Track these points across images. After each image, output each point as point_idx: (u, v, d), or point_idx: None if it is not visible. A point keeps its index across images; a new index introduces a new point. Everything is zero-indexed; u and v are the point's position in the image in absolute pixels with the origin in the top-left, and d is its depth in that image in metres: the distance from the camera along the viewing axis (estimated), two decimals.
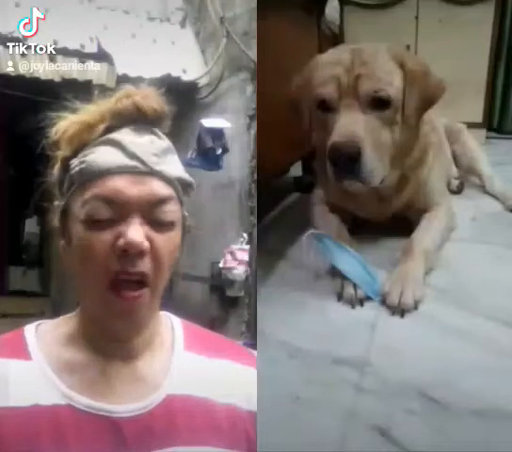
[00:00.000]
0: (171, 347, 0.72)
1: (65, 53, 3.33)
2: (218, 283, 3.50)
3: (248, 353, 0.78)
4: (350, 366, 1.24)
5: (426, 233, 1.68)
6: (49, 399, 0.64)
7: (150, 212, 0.65)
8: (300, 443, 1.06)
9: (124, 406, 0.65)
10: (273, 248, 1.85)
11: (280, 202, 2.20)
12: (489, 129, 3.36)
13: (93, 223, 0.65)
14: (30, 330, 0.71)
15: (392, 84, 1.48)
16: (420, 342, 1.32)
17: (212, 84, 3.76)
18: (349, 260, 1.49)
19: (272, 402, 1.07)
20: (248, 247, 3.40)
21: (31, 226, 4.63)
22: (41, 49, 3.25)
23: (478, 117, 3.19)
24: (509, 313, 1.40)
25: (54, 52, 3.30)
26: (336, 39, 3.26)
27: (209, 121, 3.39)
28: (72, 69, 3.32)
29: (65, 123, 0.69)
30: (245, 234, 3.45)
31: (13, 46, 3.17)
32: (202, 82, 3.79)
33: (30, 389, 0.65)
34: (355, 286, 1.46)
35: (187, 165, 3.13)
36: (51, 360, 0.67)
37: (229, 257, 3.41)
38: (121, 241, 0.63)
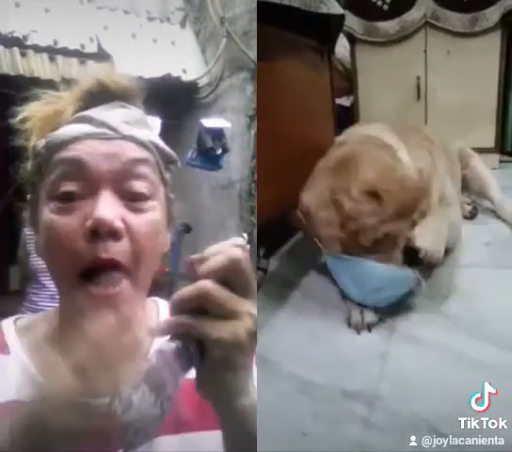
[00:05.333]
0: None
1: (65, 53, 3.33)
2: None
3: None
4: (359, 399, 1.20)
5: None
6: (29, 396, 0.59)
7: (121, 178, 0.59)
8: None
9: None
10: (288, 278, 1.85)
11: (295, 233, 2.21)
12: (503, 153, 3.41)
13: (61, 202, 0.59)
14: (8, 324, 0.67)
15: (382, 222, 1.52)
16: (432, 372, 1.27)
17: (212, 84, 3.76)
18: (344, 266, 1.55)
19: (278, 438, 1.05)
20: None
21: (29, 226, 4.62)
22: (41, 49, 3.25)
23: (490, 142, 3.27)
24: None
25: (54, 52, 3.29)
26: (349, 74, 3.42)
27: (209, 121, 3.38)
28: (71, 69, 3.32)
29: (32, 113, 0.66)
30: (245, 234, 3.43)
31: (13, 46, 3.17)
32: (202, 82, 3.79)
33: (8, 384, 0.60)
34: (362, 312, 1.52)
35: (187, 165, 3.14)
36: (32, 357, 0.63)
37: None
38: (90, 221, 0.56)
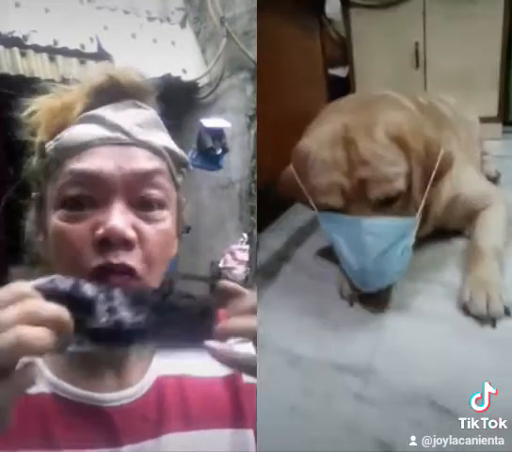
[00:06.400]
0: None
1: (65, 53, 3.33)
2: None
3: None
4: (353, 372, 1.15)
5: (489, 230, 1.54)
6: (34, 387, 0.57)
7: (135, 189, 0.58)
8: None
9: (114, 394, 0.61)
10: (280, 251, 1.82)
11: (288, 207, 2.14)
12: (505, 123, 3.23)
13: (70, 209, 0.58)
14: None
15: (400, 175, 1.29)
16: (429, 344, 1.20)
17: (212, 84, 3.76)
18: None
19: (267, 413, 1.00)
20: (247, 247, 3.40)
21: (32, 225, 4.62)
22: (41, 49, 3.25)
23: (493, 111, 3.11)
24: None
25: (54, 52, 3.29)
26: (343, 43, 3.27)
27: (209, 121, 3.39)
28: (72, 69, 3.32)
29: (39, 106, 0.64)
30: (245, 234, 3.45)
31: (13, 46, 3.17)
32: (202, 82, 3.79)
33: None
34: (352, 284, 1.38)
35: None
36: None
37: (229, 257, 3.41)
38: (101, 230, 0.56)
